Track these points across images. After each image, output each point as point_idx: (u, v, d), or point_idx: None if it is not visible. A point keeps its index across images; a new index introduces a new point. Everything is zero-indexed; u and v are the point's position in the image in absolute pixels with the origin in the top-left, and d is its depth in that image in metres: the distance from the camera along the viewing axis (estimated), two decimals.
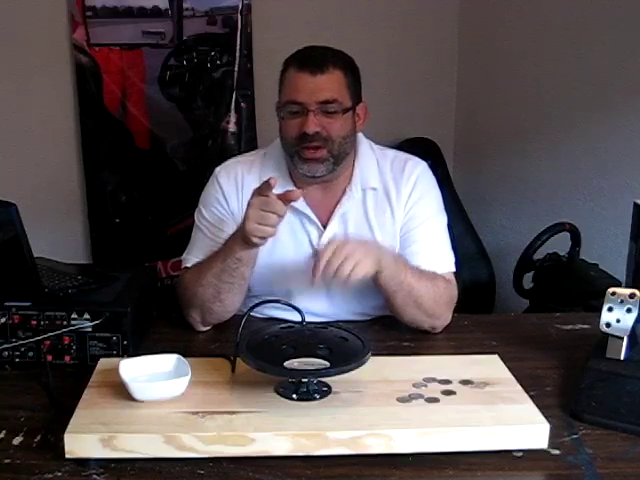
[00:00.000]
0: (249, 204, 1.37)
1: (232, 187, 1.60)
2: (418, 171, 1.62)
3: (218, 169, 1.64)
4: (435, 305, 1.51)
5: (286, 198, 1.36)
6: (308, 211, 1.58)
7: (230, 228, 1.54)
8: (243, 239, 1.40)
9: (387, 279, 1.45)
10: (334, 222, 1.59)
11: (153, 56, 2.64)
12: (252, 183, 1.54)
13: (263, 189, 1.36)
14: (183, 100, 2.70)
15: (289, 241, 1.58)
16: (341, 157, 1.53)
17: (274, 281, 1.58)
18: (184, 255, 1.62)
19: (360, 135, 1.64)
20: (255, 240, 1.38)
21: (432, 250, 1.58)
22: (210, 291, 1.49)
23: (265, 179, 1.49)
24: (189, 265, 1.58)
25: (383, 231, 1.59)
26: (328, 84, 1.48)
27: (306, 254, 1.58)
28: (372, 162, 1.62)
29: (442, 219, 1.64)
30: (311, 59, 1.51)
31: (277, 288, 1.57)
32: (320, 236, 1.58)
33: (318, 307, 1.57)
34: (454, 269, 1.61)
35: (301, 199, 1.53)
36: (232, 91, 2.74)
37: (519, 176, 2.83)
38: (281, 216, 1.36)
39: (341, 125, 1.51)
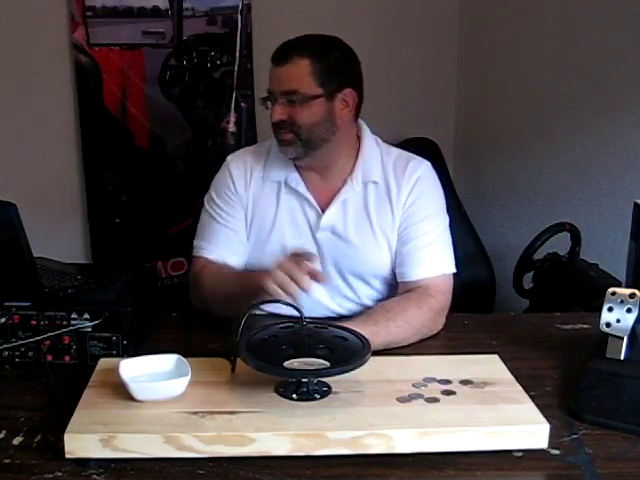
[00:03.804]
0: (279, 263, 1.38)
1: (241, 175, 1.65)
2: (420, 171, 1.63)
3: (230, 157, 1.70)
4: (425, 330, 1.52)
5: (313, 275, 1.37)
6: (308, 195, 1.62)
7: (239, 214, 1.64)
8: (259, 288, 1.39)
9: None
10: (334, 207, 1.62)
11: (153, 56, 2.64)
12: (259, 171, 1.64)
13: (298, 256, 1.39)
14: (183, 100, 2.70)
15: (288, 224, 1.62)
16: (314, 142, 1.55)
17: (272, 263, 1.58)
18: (195, 241, 1.67)
19: (366, 129, 1.67)
20: (270, 295, 1.37)
21: (430, 248, 1.59)
22: (220, 304, 1.56)
23: (270, 168, 1.63)
24: (206, 255, 1.62)
25: (382, 225, 1.61)
26: (288, 74, 1.52)
27: (304, 237, 1.62)
28: (376, 156, 1.64)
29: (442, 219, 1.64)
30: (280, 50, 1.55)
31: None
32: (319, 220, 1.61)
33: (316, 291, 1.58)
34: (453, 270, 1.61)
35: (302, 184, 1.62)
36: (232, 91, 2.74)
37: (519, 176, 2.83)
38: (304, 289, 1.35)
39: (307, 113, 1.53)
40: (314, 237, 1.62)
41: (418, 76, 3.02)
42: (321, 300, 1.63)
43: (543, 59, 2.65)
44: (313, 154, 1.58)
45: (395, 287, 1.64)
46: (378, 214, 1.61)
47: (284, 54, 1.53)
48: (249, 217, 1.64)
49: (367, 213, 1.62)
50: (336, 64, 1.55)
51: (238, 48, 2.71)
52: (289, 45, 1.55)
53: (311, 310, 1.57)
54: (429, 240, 1.59)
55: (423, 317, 1.51)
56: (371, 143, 1.65)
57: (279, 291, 1.35)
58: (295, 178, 1.62)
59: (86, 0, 2.51)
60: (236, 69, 2.73)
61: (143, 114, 2.67)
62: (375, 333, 1.39)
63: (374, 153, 1.64)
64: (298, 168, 1.63)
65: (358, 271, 1.63)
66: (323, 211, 1.62)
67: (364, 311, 1.61)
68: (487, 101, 2.99)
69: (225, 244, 1.63)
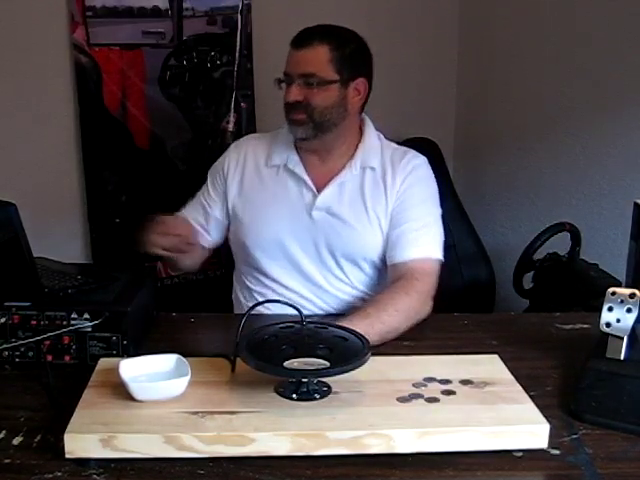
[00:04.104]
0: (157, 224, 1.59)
1: (234, 161, 1.77)
2: (416, 162, 1.73)
3: (235, 142, 1.85)
4: (414, 315, 1.56)
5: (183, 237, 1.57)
6: (305, 177, 1.70)
7: (219, 196, 1.77)
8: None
9: None
10: (330, 188, 1.69)
11: (153, 56, 2.64)
12: (261, 155, 1.75)
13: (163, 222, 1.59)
14: (183, 100, 2.70)
15: (284, 204, 1.70)
16: (325, 125, 1.64)
17: (268, 240, 1.71)
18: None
19: (369, 122, 1.76)
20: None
21: (419, 233, 1.65)
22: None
23: (273, 152, 1.73)
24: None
25: (375, 209, 1.68)
26: (308, 58, 1.61)
27: (300, 216, 1.69)
28: (376, 147, 1.73)
29: (434, 209, 1.71)
30: (301, 35, 1.64)
31: (271, 247, 1.71)
32: (315, 200, 1.69)
33: (309, 268, 1.71)
34: (439, 257, 1.66)
35: (301, 166, 1.71)
36: (232, 91, 2.74)
37: (519, 176, 2.83)
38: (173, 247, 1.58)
39: (322, 96, 1.61)
40: (310, 216, 1.69)
41: (418, 76, 3.02)
42: (315, 279, 1.70)
43: (543, 59, 2.65)
44: (322, 136, 1.66)
45: (386, 276, 1.69)
46: (372, 197, 1.68)
47: (305, 39, 1.62)
48: (235, 197, 1.74)
49: (362, 196, 1.69)
50: (352, 54, 1.64)
51: (238, 48, 2.72)
52: (310, 31, 1.64)
53: (306, 290, 1.72)
54: (419, 225, 1.66)
55: (412, 302, 1.55)
56: (373, 136, 1.75)
57: (153, 246, 1.57)
58: (294, 160, 1.71)
59: (86, 0, 2.51)
60: (236, 69, 2.73)
61: (143, 114, 2.67)
62: (369, 325, 1.44)
63: (374, 143, 1.73)
64: (299, 152, 1.71)
65: (350, 251, 1.69)
66: (319, 192, 1.69)
67: (356, 295, 1.72)
68: (487, 101, 2.99)
69: (193, 215, 1.78)
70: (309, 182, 1.70)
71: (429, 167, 1.74)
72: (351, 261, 1.70)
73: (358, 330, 1.37)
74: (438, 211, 1.72)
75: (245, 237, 1.73)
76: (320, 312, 1.72)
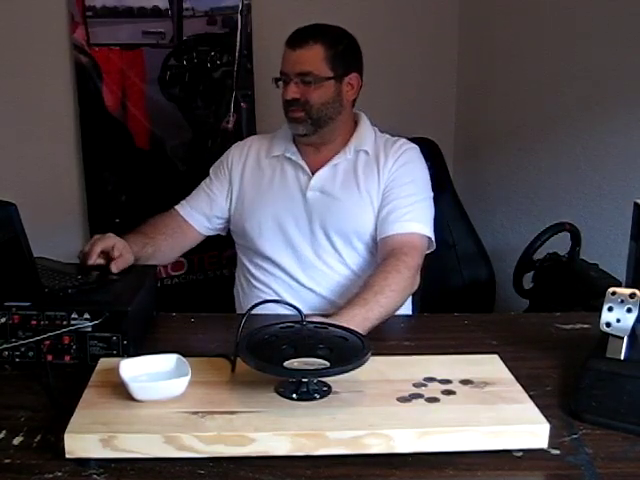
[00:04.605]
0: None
1: (237, 157, 1.87)
2: (408, 147, 1.81)
3: (238, 142, 1.94)
4: (407, 292, 1.64)
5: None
6: (302, 162, 1.80)
7: (223, 186, 1.86)
8: None
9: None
10: (324, 170, 1.78)
11: (153, 56, 2.63)
12: (262, 149, 1.85)
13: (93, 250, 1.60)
14: (183, 100, 2.70)
15: (281, 188, 1.80)
16: (322, 120, 1.74)
17: (265, 221, 1.79)
18: None
19: (364, 116, 1.86)
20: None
21: (409, 209, 1.71)
22: None
23: (273, 145, 1.84)
24: (177, 208, 1.89)
25: (367, 188, 1.75)
26: (304, 58, 1.69)
27: (295, 198, 1.78)
28: (370, 135, 1.83)
29: (426, 189, 1.78)
30: (295, 35, 1.72)
31: (268, 228, 1.79)
32: (309, 181, 1.78)
33: (303, 247, 1.78)
34: (428, 234, 1.72)
35: (298, 154, 1.81)
36: (232, 91, 2.74)
37: (519, 176, 2.83)
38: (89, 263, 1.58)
39: (319, 93, 1.70)
40: (304, 197, 1.76)
41: (418, 76, 3.02)
42: (310, 259, 1.77)
43: (543, 59, 2.65)
44: (320, 131, 1.75)
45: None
46: (365, 177, 1.76)
47: (300, 39, 1.70)
48: (238, 190, 1.83)
49: (355, 176, 1.77)
50: (345, 51, 1.73)
51: (238, 48, 2.71)
52: (304, 31, 1.72)
53: (300, 270, 1.78)
54: (409, 202, 1.72)
55: (404, 279, 1.61)
56: (367, 126, 1.84)
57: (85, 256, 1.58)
58: (292, 151, 1.81)
59: (86, 0, 2.51)
60: (236, 69, 2.73)
61: (143, 114, 2.67)
62: (369, 310, 1.49)
63: (369, 132, 1.83)
64: (297, 145, 1.81)
65: (342, 228, 1.75)
66: (314, 174, 1.77)
67: (349, 276, 1.77)
68: (487, 101, 2.99)
69: (195, 202, 1.87)
70: (305, 166, 1.79)
71: (420, 154, 1.82)
72: (344, 239, 1.76)
73: (359, 317, 1.42)
74: (429, 193, 1.79)
75: (245, 221, 1.81)
76: (315, 296, 1.77)
